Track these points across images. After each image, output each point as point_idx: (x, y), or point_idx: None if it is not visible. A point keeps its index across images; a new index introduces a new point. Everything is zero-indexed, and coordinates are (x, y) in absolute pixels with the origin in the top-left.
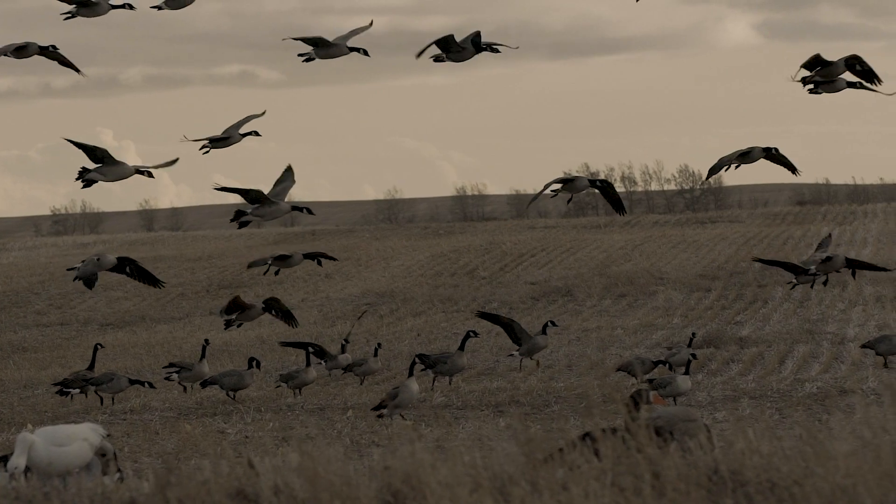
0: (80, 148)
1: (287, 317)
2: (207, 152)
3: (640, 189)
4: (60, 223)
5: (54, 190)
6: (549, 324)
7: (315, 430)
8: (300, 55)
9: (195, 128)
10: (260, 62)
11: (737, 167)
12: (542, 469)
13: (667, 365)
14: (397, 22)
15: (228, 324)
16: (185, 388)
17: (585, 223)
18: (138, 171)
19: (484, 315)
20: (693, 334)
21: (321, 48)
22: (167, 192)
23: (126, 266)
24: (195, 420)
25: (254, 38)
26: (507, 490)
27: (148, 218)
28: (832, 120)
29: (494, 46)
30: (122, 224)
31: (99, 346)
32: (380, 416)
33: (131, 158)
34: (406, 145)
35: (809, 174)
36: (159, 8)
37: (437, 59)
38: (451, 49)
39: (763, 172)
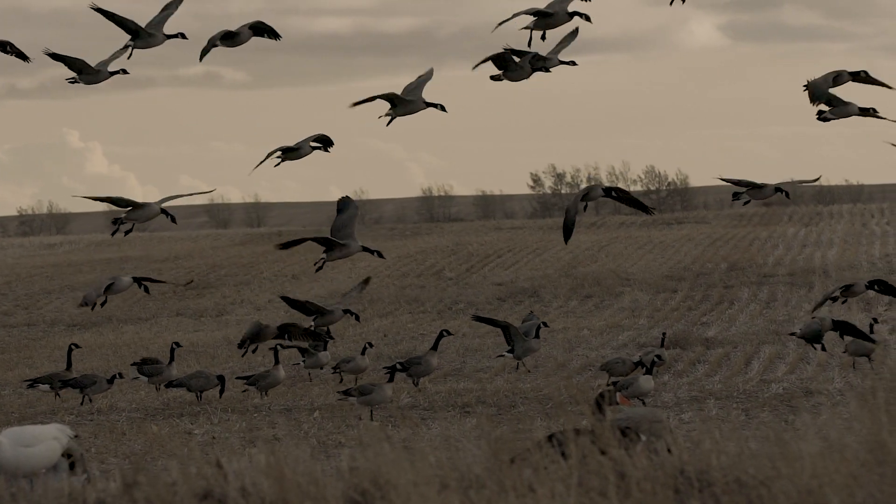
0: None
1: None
2: (279, 164)
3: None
4: (27, 224)
5: (20, 191)
6: (541, 325)
7: (282, 431)
8: (381, 116)
9: (161, 129)
10: (225, 63)
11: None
12: (509, 470)
13: (640, 366)
14: (362, 23)
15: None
16: (156, 387)
17: (552, 224)
18: (163, 212)
19: (480, 319)
20: (664, 334)
21: (399, 106)
22: (134, 194)
23: (140, 284)
24: (162, 421)
25: None
26: (473, 490)
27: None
28: (798, 121)
29: (549, 67)
30: (88, 225)
31: (74, 347)
32: (343, 399)
33: (97, 160)
34: (373, 146)
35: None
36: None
37: (494, 77)
38: (510, 68)
39: (730, 174)
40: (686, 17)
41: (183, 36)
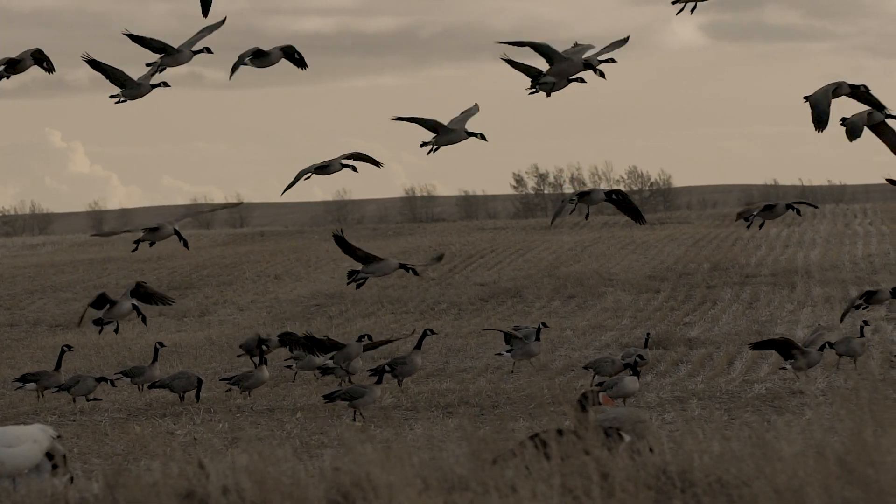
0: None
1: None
2: (309, 178)
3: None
4: (9, 224)
5: (2, 191)
6: (542, 325)
7: (265, 432)
8: (423, 144)
9: (143, 129)
10: (207, 63)
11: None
12: (492, 470)
13: (628, 367)
14: (345, 23)
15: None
16: (139, 388)
17: (534, 224)
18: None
19: (488, 330)
20: (648, 334)
21: (441, 134)
22: (116, 194)
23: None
24: (144, 421)
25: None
26: (456, 491)
27: (97, 219)
28: (780, 121)
29: (599, 69)
30: (71, 225)
31: (66, 349)
32: (329, 402)
33: (80, 160)
34: (356, 146)
35: (758, 175)
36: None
37: (539, 86)
38: (541, 83)
39: (712, 174)
40: (668, 16)
41: (208, 50)
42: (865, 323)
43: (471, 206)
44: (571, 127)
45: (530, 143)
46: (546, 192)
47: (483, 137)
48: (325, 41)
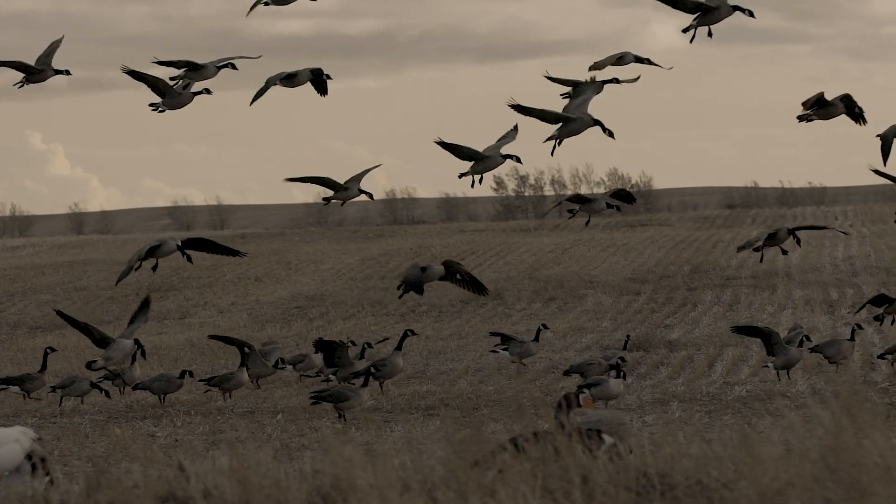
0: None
1: None
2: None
3: (569, 192)
4: None
5: None
6: (542, 327)
7: (245, 434)
8: (461, 175)
9: (123, 131)
10: None
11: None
12: (472, 472)
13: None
14: (325, 25)
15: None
16: (120, 390)
17: (515, 226)
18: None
19: (494, 333)
20: (628, 336)
21: (478, 162)
22: (97, 196)
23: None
24: (125, 423)
25: (180, 41)
26: (436, 493)
27: (78, 221)
28: (761, 123)
29: (646, 60)
30: (51, 227)
31: (49, 350)
32: (316, 403)
33: (60, 162)
34: (337, 148)
35: (738, 177)
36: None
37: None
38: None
39: (693, 176)
40: (648, 18)
41: (233, 66)
42: (858, 326)
43: (451, 209)
44: (550, 128)
45: (510, 145)
46: (527, 194)
47: (518, 160)
48: (304, 44)
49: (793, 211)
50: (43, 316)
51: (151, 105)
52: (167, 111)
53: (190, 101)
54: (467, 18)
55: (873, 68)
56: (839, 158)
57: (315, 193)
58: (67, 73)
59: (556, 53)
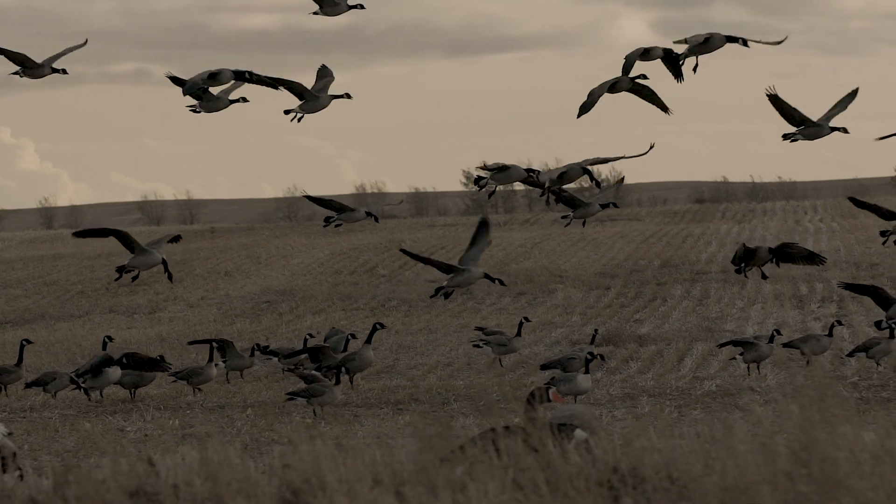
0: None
1: None
2: (339, 226)
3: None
4: None
5: None
6: (524, 320)
7: (215, 428)
8: (479, 186)
9: (91, 126)
10: (154, 60)
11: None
12: (442, 468)
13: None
14: (291, 20)
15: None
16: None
17: None
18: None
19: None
20: (595, 331)
21: (500, 171)
22: (66, 190)
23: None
24: (95, 418)
25: (148, 36)
26: (405, 488)
27: (47, 216)
28: (730, 118)
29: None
30: (21, 222)
31: (25, 343)
32: (291, 399)
33: (29, 157)
34: (304, 143)
35: (708, 172)
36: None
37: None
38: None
39: (663, 171)
40: (616, 13)
41: (250, 74)
42: (839, 322)
43: (421, 203)
44: (519, 124)
45: (478, 139)
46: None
47: (537, 173)
48: (270, 38)
49: (762, 205)
50: (13, 310)
51: (189, 106)
52: (203, 112)
53: (227, 106)
54: (434, 13)
55: (841, 63)
56: (809, 154)
57: (285, 188)
58: (64, 72)
59: (523, 48)
